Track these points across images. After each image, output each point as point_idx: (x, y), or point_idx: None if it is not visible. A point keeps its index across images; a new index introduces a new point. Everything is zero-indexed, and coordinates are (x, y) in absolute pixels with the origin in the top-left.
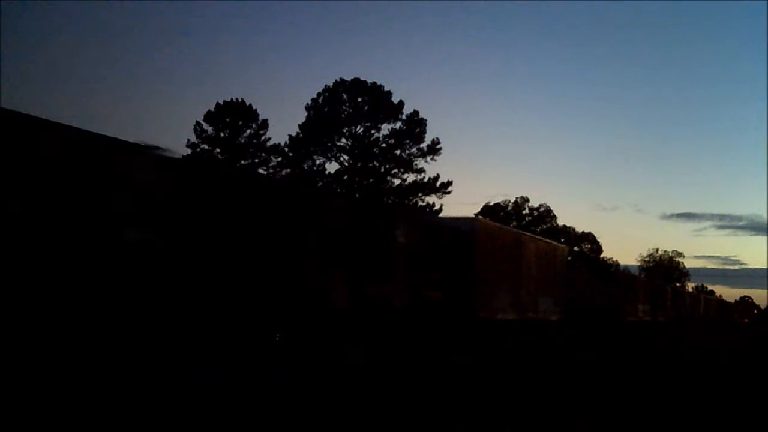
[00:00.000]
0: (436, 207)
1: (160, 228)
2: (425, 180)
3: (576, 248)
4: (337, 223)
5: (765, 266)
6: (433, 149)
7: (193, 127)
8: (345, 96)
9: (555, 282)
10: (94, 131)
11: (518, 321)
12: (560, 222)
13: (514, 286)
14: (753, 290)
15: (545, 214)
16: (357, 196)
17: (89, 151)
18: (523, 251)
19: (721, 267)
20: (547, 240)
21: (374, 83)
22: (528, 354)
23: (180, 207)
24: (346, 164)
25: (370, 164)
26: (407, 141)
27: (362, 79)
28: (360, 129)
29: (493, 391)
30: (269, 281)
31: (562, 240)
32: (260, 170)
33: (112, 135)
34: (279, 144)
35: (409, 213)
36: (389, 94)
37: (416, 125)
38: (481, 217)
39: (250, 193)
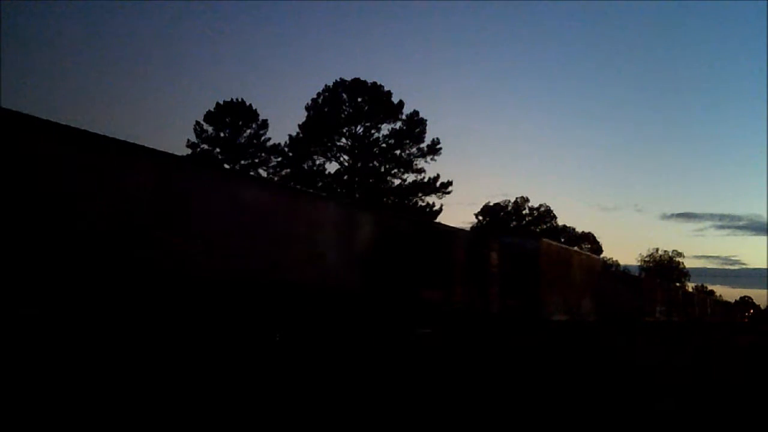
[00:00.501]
0: (436, 207)
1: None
2: (425, 180)
3: (575, 248)
4: (461, 251)
5: (765, 266)
6: (433, 149)
7: (193, 127)
8: (345, 96)
9: (592, 288)
10: (94, 131)
11: (567, 321)
12: (560, 222)
13: (564, 292)
14: (753, 290)
15: (545, 214)
16: (357, 196)
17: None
18: (570, 264)
19: (721, 267)
20: (588, 253)
21: (374, 83)
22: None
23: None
24: (346, 164)
25: (370, 164)
26: (407, 141)
27: (362, 79)
28: (360, 129)
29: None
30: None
31: (562, 240)
32: (260, 170)
33: (111, 135)
34: (279, 144)
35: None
36: (389, 94)
37: (416, 125)
38: (544, 239)
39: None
